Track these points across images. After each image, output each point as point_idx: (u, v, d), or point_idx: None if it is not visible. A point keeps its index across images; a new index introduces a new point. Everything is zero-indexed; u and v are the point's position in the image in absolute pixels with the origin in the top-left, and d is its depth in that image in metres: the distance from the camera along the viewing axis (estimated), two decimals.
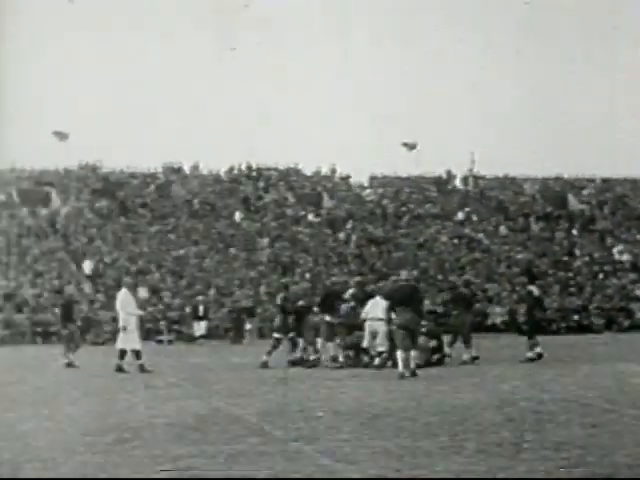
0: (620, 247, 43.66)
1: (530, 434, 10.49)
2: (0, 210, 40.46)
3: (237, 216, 44.64)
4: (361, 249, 43.24)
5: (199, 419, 12.23)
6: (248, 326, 35.20)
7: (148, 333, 33.20)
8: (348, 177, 49.07)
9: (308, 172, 48.87)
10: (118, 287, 37.42)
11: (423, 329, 20.08)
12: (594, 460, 9.02)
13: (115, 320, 35.11)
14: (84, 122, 48.67)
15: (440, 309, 24.16)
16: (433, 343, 21.11)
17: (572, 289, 40.42)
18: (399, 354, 18.53)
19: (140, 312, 22.40)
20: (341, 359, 21.16)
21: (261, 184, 47.31)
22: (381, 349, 20.53)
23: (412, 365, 18.35)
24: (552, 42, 59.82)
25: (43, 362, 25.02)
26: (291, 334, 21.80)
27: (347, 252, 42.90)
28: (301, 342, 21.81)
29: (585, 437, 10.31)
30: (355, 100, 57.64)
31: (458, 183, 49.21)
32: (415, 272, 37.51)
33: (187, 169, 47.84)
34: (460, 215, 46.39)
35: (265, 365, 21.21)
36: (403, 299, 18.90)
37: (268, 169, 48.36)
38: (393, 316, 19.15)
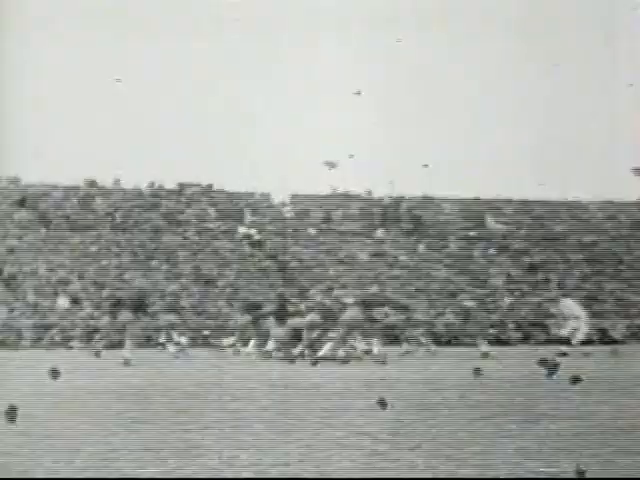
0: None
1: None
2: None
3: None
4: (281, 264, 43.45)
5: None
6: None
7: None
8: (269, 194, 49.30)
9: (230, 188, 48.97)
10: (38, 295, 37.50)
11: None
12: None
13: (36, 327, 35.16)
14: (4, 134, 48.17)
15: None
16: None
17: (490, 306, 41.05)
18: None
19: None
20: None
21: (183, 199, 47.32)
22: None
23: None
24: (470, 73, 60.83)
25: None
26: None
27: (268, 267, 43.07)
28: None
29: None
30: (277, 117, 57.90)
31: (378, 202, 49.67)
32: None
33: (109, 183, 47.62)
34: (380, 233, 46.89)
35: None
36: None
37: (190, 185, 48.39)
38: None
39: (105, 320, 28.85)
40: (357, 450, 8.02)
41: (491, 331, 38.00)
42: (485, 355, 25.72)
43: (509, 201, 50.41)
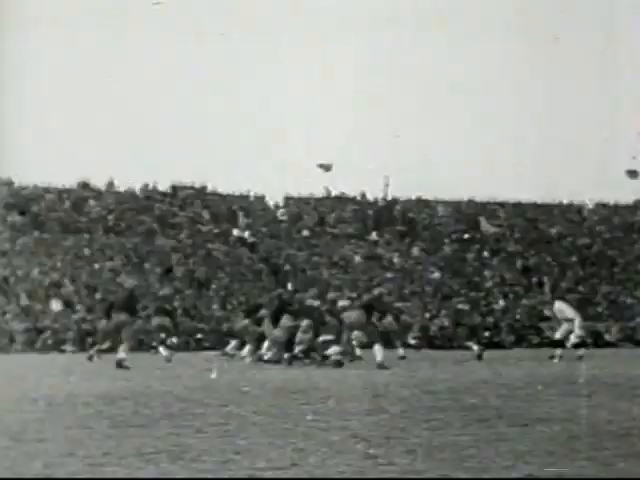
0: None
1: None
2: None
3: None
4: (275, 267, 43.47)
5: None
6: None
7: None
8: (263, 196, 49.32)
9: (223, 191, 48.99)
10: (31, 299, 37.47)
11: None
12: None
13: (29, 330, 35.10)
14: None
15: None
16: None
17: (483, 308, 41.11)
18: None
19: None
20: None
21: (176, 202, 47.32)
22: None
23: None
24: (464, 71, 60.89)
25: None
26: None
27: (262, 269, 43.09)
28: None
29: None
30: (271, 120, 57.89)
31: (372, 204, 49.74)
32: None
33: (102, 186, 47.60)
34: (374, 235, 46.94)
35: None
36: None
37: (184, 187, 48.39)
38: None
39: (100, 323, 28.73)
40: (352, 454, 7.99)
41: (485, 334, 38.07)
42: (479, 357, 25.76)
43: (503, 203, 50.48)
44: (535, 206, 50.61)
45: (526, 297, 42.64)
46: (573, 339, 25.95)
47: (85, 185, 47.07)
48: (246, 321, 26.26)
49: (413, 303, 40.65)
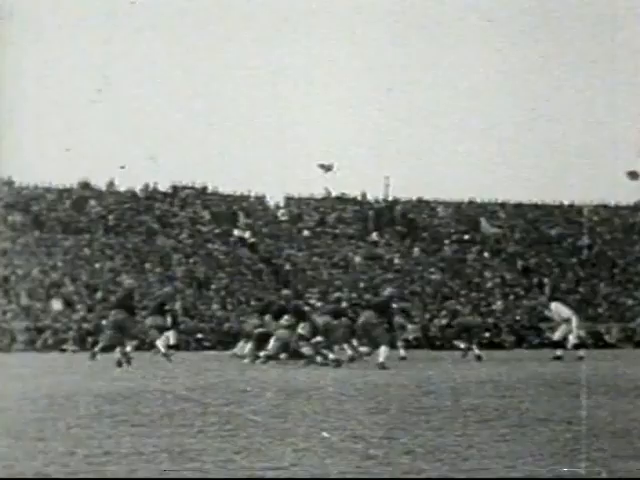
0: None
1: None
2: None
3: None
4: (276, 267, 43.46)
5: None
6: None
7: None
8: (263, 197, 49.31)
9: (224, 191, 48.97)
10: (31, 298, 37.46)
11: None
12: None
13: (29, 330, 35.10)
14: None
15: None
16: None
17: (483, 309, 41.10)
18: None
19: None
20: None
21: (176, 201, 47.31)
22: None
23: None
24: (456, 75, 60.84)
25: None
26: None
27: (262, 269, 43.08)
28: None
29: None
30: (272, 120, 57.86)
31: (373, 205, 49.72)
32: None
33: (102, 185, 47.59)
34: (374, 236, 46.93)
35: None
36: None
37: (184, 187, 48.37)
38: None
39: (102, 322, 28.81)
40: (351, 454, 7.99)
41: (486, 335, 38.06)
42: (478, 358, 25.76)
43: (503, 204, 50.46)
44: (535, 207, 50.61)
45: (526, 298, 42.64)
46: (572, 340, 25.95)
47: (85, 185, 47.05)
48: (257, 321, 26.18)
49: (413, 304, 40.64)
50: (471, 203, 50.20)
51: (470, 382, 16.12)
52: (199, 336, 36.46)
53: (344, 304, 26.11)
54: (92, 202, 45.57)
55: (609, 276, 46.07)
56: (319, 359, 22.19)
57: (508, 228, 48.72)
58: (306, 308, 26.04)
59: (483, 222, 48.42)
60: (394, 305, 23.97)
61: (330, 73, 58.43)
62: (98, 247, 42.45)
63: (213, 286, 41.05)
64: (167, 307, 30.74)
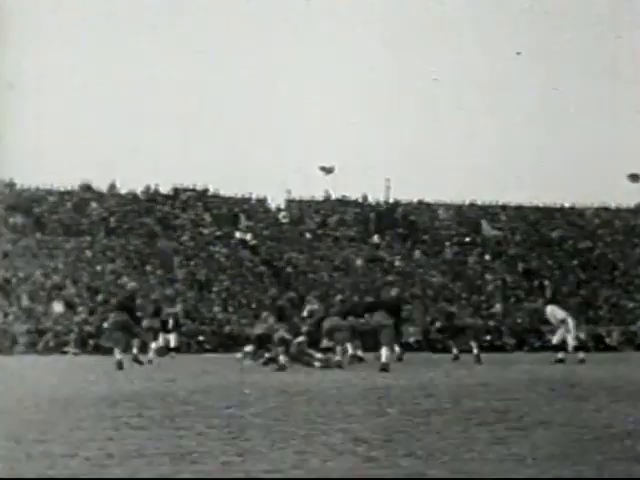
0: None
1: None
2: None
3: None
4: (277, 270, 43.49)
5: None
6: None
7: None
8: (265, 199, 49.36)
9: (225, 193, 49.03)
10: (32, 301, 37.49)
11: None
12: None
13: (30, 332, 35.12)
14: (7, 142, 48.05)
15: None
16: None
17: (484, 312, 41.13)
18: None
19: None
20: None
21: (178, 204, 47.36)
22: None
23: None
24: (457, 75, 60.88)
25: None
26: None
27: (263, 272, 43.11)
28: None
29: None
30: (273, 123, 57.95)
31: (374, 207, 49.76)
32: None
33: (104, 187, 47.65)
34: (375, 238, 46.97)
35: None
36: None
37: (185, 190, 48.42)
38: None
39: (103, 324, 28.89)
40: (352, 456, 8.01)
41: (486, 337, 38.08)
42: (456, 358, 25.90)
43: (504, 207, 50.49)
44: (536, 209, 50.63)
45: (527, 300, 42.65)
46: (571, 342, 25.98)
47: (87, 187, 47.11)
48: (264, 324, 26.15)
49: (414, 306, 40.67)
50: (472, 205, 50.25)
51: (471, 385, 16.13)
52: (200, 339, 36.48)
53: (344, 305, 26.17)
54: (93, 204, 45.62)
55: (610, 279, 46.08)
56: (306, 359, 22.23)
57: (509, 230, 48.75)
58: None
59: (484, 224, 48.46)
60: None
61: (331, 76, 58.45)
62: (99, 249, 42.49)
63: (214, 288, 41.08)
64: (170, 310, 30.81)
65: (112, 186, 47.62)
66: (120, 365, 21.83)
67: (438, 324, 32.30)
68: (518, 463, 7.68)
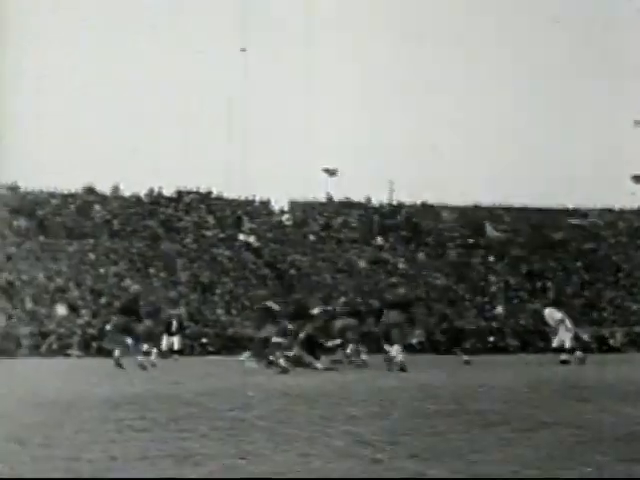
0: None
1: None
2: None
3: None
4: (281, 272, 43.48)
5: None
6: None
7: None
8: (268, 201, 49.36)
9: (228, 195, 49.03)
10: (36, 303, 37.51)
11: None
12: None
13: (34, 335, 35.15)
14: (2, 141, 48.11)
15: None
16: None
17: (488, 313, 41.12)
18: None
19: None
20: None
21: (181, 206, 47.38)
22: None
23: None
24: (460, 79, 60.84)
25: None
26: None
27: (267, 274, 43.10)
28: None
29: None
30: (276, 125, 57.94)
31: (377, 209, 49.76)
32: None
33: (107, 190, 47.67)
34: (379, 240, 46.95)
35: None
36: None
37: (188, 192, 48.43)
38: None
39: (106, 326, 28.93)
40: (356, 459, 8.00)
41: (490, 339, 38.08)
42: (467, 362, 25.88)
43: (508, 208, 50.46)
44: (540, 211, 50.60)
45: (530, 302, 42.61)
46: (568, 342, 26.06)
47: (90, 190, 47.13)
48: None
49: (418, 308, 40.63)
50: (476, 207, 50.23)
51: (475, 386, 16.12)
52: (203, 341, 36.48)
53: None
54: (97, 207, 45.64)
55: (614, 280, 46.04)
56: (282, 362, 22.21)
57: (512, 232, 48.71)
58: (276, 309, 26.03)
59: (487, 226, 48.44)
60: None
61: (334, 78, 58.46)
62: (103, 252, 42.49)
63: (218, 291, 41.07)
64: (173, 312, 30.85)
65: (115, 189, 47.65)
66: (118, 362, 21.95)
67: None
68: (522, 465, 7.66)
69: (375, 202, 50.03)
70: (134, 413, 11.35)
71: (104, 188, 47.33)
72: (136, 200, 47.17)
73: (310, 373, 21.19)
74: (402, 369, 20.53)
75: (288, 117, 62.94)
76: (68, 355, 33.91)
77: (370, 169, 54.04)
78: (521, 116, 59.73)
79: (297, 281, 42.70)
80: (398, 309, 22.20)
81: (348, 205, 49.52)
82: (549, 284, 44.38)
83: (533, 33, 61.84)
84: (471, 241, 47.69)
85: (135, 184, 47.27)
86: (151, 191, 47.99)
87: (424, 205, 50.11)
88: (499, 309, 41.78)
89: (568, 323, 26.33)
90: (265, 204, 49.14)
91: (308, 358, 22.82)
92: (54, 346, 34.79)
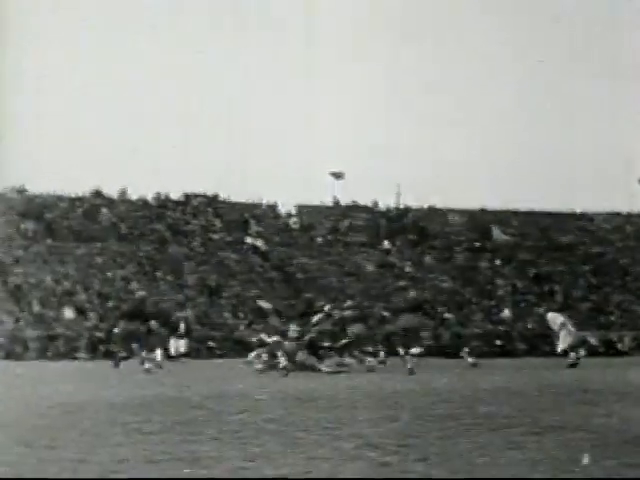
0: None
1: None
2: None
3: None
4: (288, 275, 43.47)
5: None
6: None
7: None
8: (275, 205, 49.33)
9: (235, 199, 49.00)
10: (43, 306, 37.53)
11: None
12: None
13: (41, 338, 35.17)
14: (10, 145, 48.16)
15: None
16: None
17: (495, 317, 41.08)
18: None
19: None
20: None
21: (188, 209, 47.39)
22: None
23: None
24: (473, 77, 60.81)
25: None
26: None
27: (274, 278, 43.09)
28: None
29: None
30: (283, 128, 57.93)
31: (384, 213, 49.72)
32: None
33: (114, 194, 47.67)
34: (386, 244, 46.90)
35: None
36: None
37: (196, 195, 48.44)
38: None
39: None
40: (364, 462, 7.99)
41: (498, 342, 38.03)
42: (474, 365, 25.84)
43: (515, 212, 50.38)
44: (547, 215, 50.52)
45: (538, 305, 42.53)
46: (563, 345, 26.16)
47: (98, 193, 47.15)
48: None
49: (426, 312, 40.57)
50: (483, 211, 50.15)
51: (483, 390, 16.11)
52: (211, 344, 36.48)
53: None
54: (104, 210, 45.65)
55: (621, 284, 45.95)
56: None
57: (520, 236, 48.64)
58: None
59: (495, 230, 48.37)
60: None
61: (343, 82, 58.43)
62: (110, 255, 42.50)
63: (225, 294, 41.07)
64: (180, 315, 30.86)
65: (123, 192, 47.67)
66: (117, 364, 22.17)
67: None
68: (531, 468, 7.65)
69: (382, 205, 49.99)
70: (141, 416, 11.36)
71: (103, 188, 47.24)
72: (143, 203, 47.19)
73: (318, 376, 21.19)
74: (411, 372, 20.61)
75: (288, 117, 62.87)
76: (75, 358, 33.92)
77: (377, 173, 53.99)
78: (530, 121, 59.66)
79: (304, 284, 42.69)
80: (410, 313, 22.22)
81: (355, 209, 49.50)
82: (556, 288, 44.33)
83: (542, 37, 61.75)
84: (478, 244, 47.62)
85: (135, 184, 47.19)
86: (158, 194, 48.00)
87: (431, 208, 50.06)
88: (506, 312, 41.73)
89: (570, 327, 26.46)
90: (272, 207, 49.12)
91: (313, 361, 22.83)
92: (61, 349, 34.81)
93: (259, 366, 23.89)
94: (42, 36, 47.76)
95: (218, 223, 46.72)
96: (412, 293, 24.93)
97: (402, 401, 13.66)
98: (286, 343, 23.86)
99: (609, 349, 37.74)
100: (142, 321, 23.80)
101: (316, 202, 49.54)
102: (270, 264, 44.41)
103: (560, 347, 26.53)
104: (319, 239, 47.01)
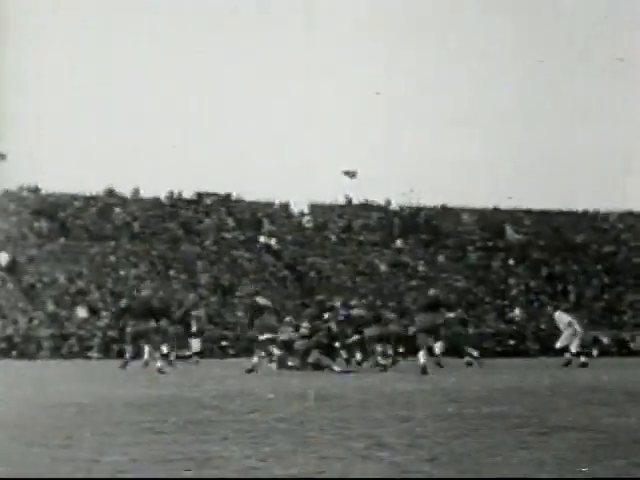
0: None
1: None
2: None
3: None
4: (301, 274, 43.53)
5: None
6: None
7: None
8: (288, 204, 49.42)
9: (248, 198, 49.11)
10: (57, 305, 37.67)
11: None
12: None
13: (54, 337, 35.31)
14: (23, 143, 48.39)
15: None
16: None
17: (508, 316, 41.05)
18: None
19: None
20: None
21: (201, 208, 47.51)
22: None
23: None
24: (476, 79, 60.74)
25: None
26: None
27: (287, 276, 43.15)
28: None
29: None
30: (296, 127, 57.94)
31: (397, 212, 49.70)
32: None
33: (128, 193, 47.83)
34: (399, 243, 46.94)
35: None
36: None
37: (208, 194, 48.56)
38: None
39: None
40: (375, 462, 8.03)
41: (510, 342, 38.03)
42: (469, 364, 25.82)
43: (528, 211, 50.35)
44: (560, 214, 50.48)
45: (551, 305, 42.48)
46: (575, 348, 26.18)
47: (111, 192, 47.31)
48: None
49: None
50: (496, 210, 50.14)
51: (493, 389, 16.13)
52: (223, 343, 36.56)
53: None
54: (117, 209, 45.80)
55: (634, 283, 45.87)
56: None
57: (533, 235, 48.61)
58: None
59: (508, 229, 48.36)
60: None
61: (356, 82, 58.39)
62: (123, 254, 42.65)
63: (237, 293, 41.15)
64: (193, 314, 30.91)
65: (136, 191, 47.82)
66: (124, 365, 22.29)
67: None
68: (540, 468, 7.68)
69: (395, 205, 50.03)
70: (154, 415, 11.41)
71: (124, 191, 47.43)
72: (156, 202, 47.33)
73: (329, 375, 21.23)
74: (423, 372, 20.65)
75: (288, 117, 62.88)
76: (88, 357, 34.05)
77: (390, 172, 54.00)
78: (541, 119, 59.60)
79: (317, 283, 42.74)
80: (429, 311, 22.21)
81: (368, 208, 49.54)
82: (569, 287, 44.29)
83: (549, 37, 61.61)
84: (491, 244, 47.62)
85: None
86: (171, 193, 48.15)
87: (444, 208, 50.07)
88: (517, 312, 41.71)
89: (577, 327, 26.49)
90: (285, 206, 49.19)
91: (325, 360, 22.87)
92: (74, 348, 34.95)
93: (274, 366, 23.99)
94: (42, 36, 47.87)
95: (231, 222, 46.82)
96: (432, 291, 24.74)
97: (413, 400, 13.70)
98: (298, 342, 23.92)
99: (621, 348, 37.69)
100: (153, 320, 23.88)
101: (329, 201, 49.57)
102: (283, 263, 44.50)
103: (558, 345, 26.64)
104: (333, 237, 47.05)
